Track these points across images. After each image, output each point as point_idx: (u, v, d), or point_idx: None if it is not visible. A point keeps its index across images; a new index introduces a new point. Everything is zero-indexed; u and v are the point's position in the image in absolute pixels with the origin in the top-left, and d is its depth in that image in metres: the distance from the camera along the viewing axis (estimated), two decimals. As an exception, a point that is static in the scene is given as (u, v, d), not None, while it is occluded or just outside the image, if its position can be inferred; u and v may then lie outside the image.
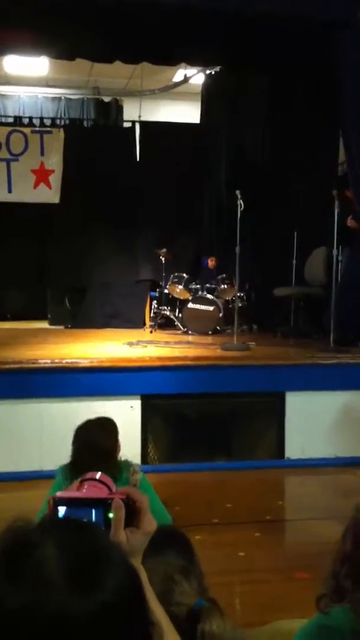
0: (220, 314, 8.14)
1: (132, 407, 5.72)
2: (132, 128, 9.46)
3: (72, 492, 1.07)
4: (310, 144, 7.94)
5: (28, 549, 0.78)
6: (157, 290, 8.75)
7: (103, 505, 1.02)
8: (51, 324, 9.14)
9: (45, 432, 5.61)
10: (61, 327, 8.89)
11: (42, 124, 9.68)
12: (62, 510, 1.01)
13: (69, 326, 8.84)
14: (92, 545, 0.82)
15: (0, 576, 0.77)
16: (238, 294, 7.77)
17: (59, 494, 1.04)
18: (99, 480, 1.10)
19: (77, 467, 3.11)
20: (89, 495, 1.05)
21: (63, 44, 7.56)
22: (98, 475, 1.10)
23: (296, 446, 6.05)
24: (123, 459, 3.31)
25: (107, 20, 7.24)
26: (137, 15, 7.02)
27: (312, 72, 7.38)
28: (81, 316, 8.94)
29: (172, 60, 8.38)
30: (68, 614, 0.74)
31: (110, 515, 1.01)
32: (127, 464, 3.30)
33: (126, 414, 5.71)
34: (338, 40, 6.56)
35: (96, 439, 3.24)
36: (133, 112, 9.90)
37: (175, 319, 8.42)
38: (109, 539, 0.93)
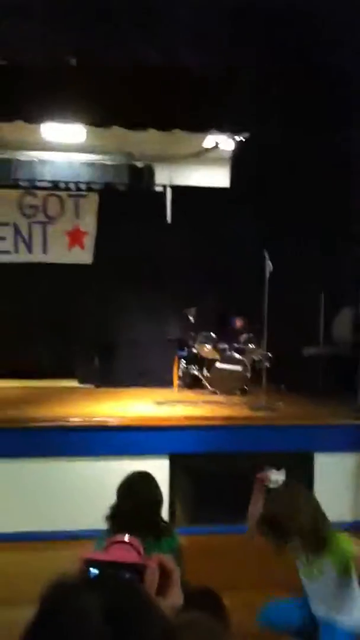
0: (248, 374, 8.17)
1: (160, 467, 5.73)
2: (164, 192, 9.74)
3: (102, 555, 1.07)
4: (335, 205, 8.07)
5: (70, 599, 0.80)
6: (185, 349, 8.82)
7: (134, 570, 1.02)
8: (80, 382, 9.22)
9: (74, 491, 5.64)
10: (90, 385, 8.97)
11: (77, 188, 10.01)
12: (93, 571, 1.00)
13: (99, 385, 8.92)
14: (131, 598, 0.84)
15: (44, 626, 0.79)
16: (266, 354, 7.80)
17: (89, 555, 1.04)
18: (128, 543, 1.11)
19: (120, 520, 3.06)
20: (120, 559, 1.05)
21: (99, 113, 7.93)
22: (127, 537, 1.11)
23: (325, 508, 5.96)
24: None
25: (141, 89, 7.60)
26: (169, 84, 7.38)
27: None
28: (110, 375, 9.01)
29: (203, 127, 8.73)
30: None
31: (138, 579, 1.01)
32: (169, 529, 3.25)
33: (154, 474, 5.71)
34: None
35: (143, 490, 3.20)
36: (164, 176, 10.21)
37: (203, 379, 8.46)
38: (147, 594, 0.94)
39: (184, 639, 1.52)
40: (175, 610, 1.04)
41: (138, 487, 3.24)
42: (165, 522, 3.24)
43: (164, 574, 1.03)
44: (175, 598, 1.04)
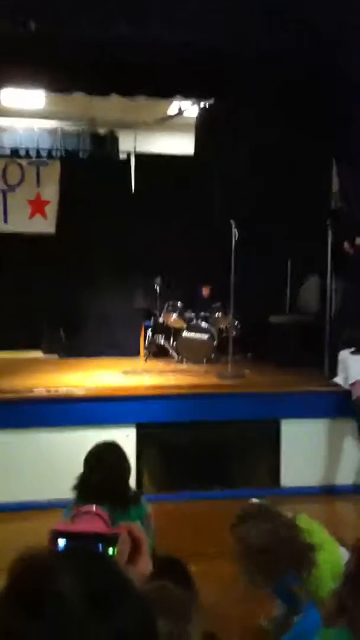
0: (215, 342, 8.17)
1: (127, 435, 5.71)
2: (128, 160, 9.57)
3: (70, 525, 1.07)
4: (302, 173, 8.05)
5: (47, 578, 0.78)
6: (152, 319, 8.78)
7: (103, 540, 1.01)
8: (45, 352, 9.14)
9: (41, 462, 5.59)
10: (55, 356, 8.89)
11: (38, 156, 9.79)
12: (61, 542, 1.00)
13: (64, 355, 8.85)
14: (108, 574, 0.83)
15: (19, 609, 0.76)
16: (233, 322, 7.81)
17: (58, 526, 1.03)
18: (95, 513, 1.09)
19: (89, 490, 3.05)
20: (89, 529, 1.05)
21: (60, 78, 7.71)
22: (94, 508, 1.10)
23: (292, 474, 6.05)
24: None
25: (103, 55, 7.40)
26: (133, 50, 7.20)
27: (303, 101, 7.56)
28: (75, 345, 8.94)
29: (167, 93, 8.56)
30: None
31: (110, 550, 1.00)
32: (138, 497, 3.24)
33: (121, 443, 5.69)
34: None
35: (112, 461, 3.18)
36: (128, 144, 10.04)
37: (170, 348, 8.44)
38: (122, 569, 0.92)
39: (153, 607, 1.51)
40: (144, 579, 1.03)
41: (106, 457, 3.22)
42: (133, 491, 3.23)
43: (133, 543, 1.02)
44: (144, 566, 1.03)
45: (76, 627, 0.74)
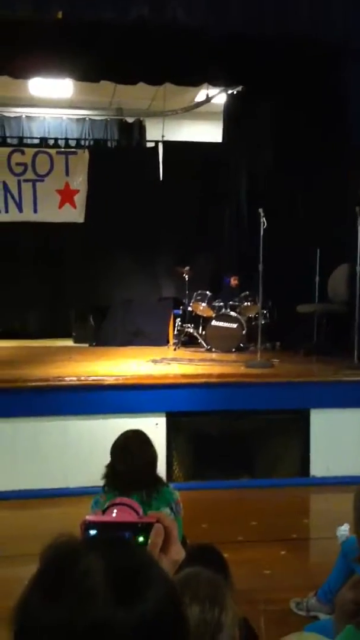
0: (244, 332, 8.16)
1: (157, 424, 5.74)
2: (155, 148, 9.57)
3: (102, 516, 1.08)
4: (333, 161, 7.97)
5: (73, 560, 0.79)
6: (181, 308, 8.79)
7: (133, 529, 1.02)
8: (75, 341, 9.22)
9: (70, 450, 5.65)
10: (85, 345, 8.96)
11: (66, 145, 9.83)
12: (92, 532, 1.01)
13: (93, 344, 8.91)
14: (134, 559, 0.83)
15: (44, 588, 0.78)
16: (261, 311, 7.78)
17: (89, 518, 1.04)
18: (127, 505, 1.10)
19: (117, 480, 3.08)
20: (120, 520, 1.06)
21: (87, 67, 7.71)
22: (126, 500, 1.11)
23: (321, 464, 6.02)
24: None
25: (131, 43, 7.38)
26: (160, 37, 7.16)
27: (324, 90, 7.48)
28: (105, 334, 9.00)
29: (194, 81, 8.52)
30: (109, 624, 0.74)
31: (140, 539, 1.00)
32: (165, 484, 3.27)
33: (151, 432, 5.71)
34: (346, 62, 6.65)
35: (137, 449, 3.20)
36: (156, 132, 10.02)
37: (198, 337, 8.45)
38: (149, 555, 0.93)
39: (186, 594, 1.52)
40: (176, 566, 1.03)
41: (132, 446, 3.24)
42: (160, 478, 3.25)
43: (164, 532, 1.02)
44: (175, 554, 1.02)
45: (97, 607, 0.74)
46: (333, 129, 7.59)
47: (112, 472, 3.17)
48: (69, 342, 9.16)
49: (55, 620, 0.74)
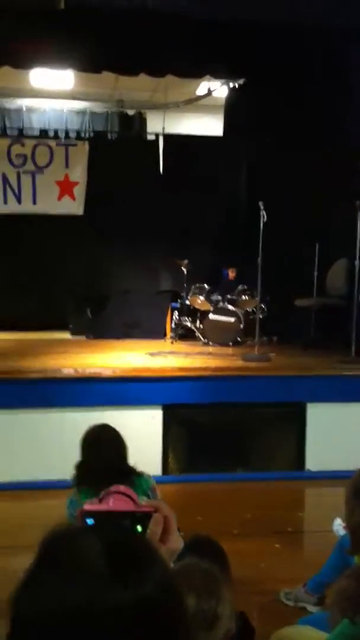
0: (241, 325, 8.17)
1: (153, 417, 5.76)
2: (156, 141, 9.54)
3: (99, 505, 1.07)
4: (333, 155, 7.96)
5: (71, 543, 0.79)
6: (178, 301, 8.80)
7: (131, 518, 1.02)
8: (73, 334, 9.22)
9: (67, 442, 5.66)
10: (82, 337, 8.96)
11: (67, 137, 9.80)
12: (89, 521, 1.00)
13: (91, 336, 8.91)
14: (133, 543, 0.84)
15: (42, 571, 0.78)
16: (259, 305, 7.79)
17: (87, 507, 1.04)
18: (124, 493, 1.10)
19: (91, 474, 3.09)
20: (118, 509, 1.05)
21: (89, 57, 7.69)
22: (122, 488, 1.11)
23: (317, 457, 6.05)
24: (138, 468, 3.27)
25: (133, 33, 7.36)
26: (162, 28, 7.15)
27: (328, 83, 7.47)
28: (102, 326, 9.00)
29: (196, 73, 8.50)
30: (108, 604, 0.74)
31: (138, 528, 1.00)
32: (139, 473, 3.27)
33: (147, 424, 5.75)
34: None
35: (110, 442, 3.20)
36: (157, 124, 9.99)
37: (196, 330, 8.46)
38: (148, 541, 0.93)
39: (184, 584, 1.54)
40: (174, 556, 1.04)
41: (104, 440, 3.26)
42: (132, 468, 3.24)
43: (163, 521, 1.02)
44: (173, 543, 1.02)
45: (96, 588, 0.74)
46: (334, 123, 7.59)
47: (85, 468, 3.17)
48: (65, 335, 9.16)
49: (54, 602, 0.74)
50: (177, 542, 1.03)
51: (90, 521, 1.00)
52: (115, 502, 1.07)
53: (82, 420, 5.71)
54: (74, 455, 5.45)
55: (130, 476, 3.14)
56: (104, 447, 3.19)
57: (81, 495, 3.04)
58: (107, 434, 3.29)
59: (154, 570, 0.79)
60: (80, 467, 3.20)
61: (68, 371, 5.94)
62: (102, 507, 1.06)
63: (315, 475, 5.90)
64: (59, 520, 0.88)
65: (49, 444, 5.68)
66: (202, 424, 6.13)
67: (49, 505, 4.93)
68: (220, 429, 6.09)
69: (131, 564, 0.78)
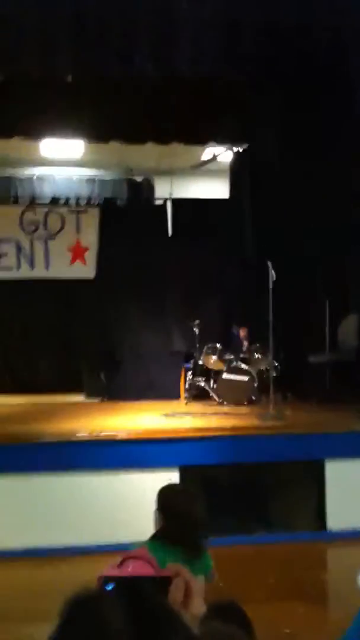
0: (255, 384, 8.13)
1: (170, 479, 5.68)
2: (164, 205, 9.75)
3: (120, 570, 1.07)
4: (338, 212, 8.07)
5: (92, 612, 0.79)
6: (192, 361, 8.80)
7: (152, 583, 1.01)
8: (87, 396, 9.20)
9: (84, 505, 5.59)
10: (97, 399, 8.94)
11: (77, 204, 10.03)
12: (109, 587, 0.99)
13: (105, 399, 8.89)
14: (155, 608, 0.83)
15: (66, 633, 0.78)
16: (272, 363, 7.77)
17: (107, 572, 1.05)
18: (143, 559, 1.09)
19: (171, 539, 2.79)
20: (138, 573, 1.06)
21: (97, 128, 7.96)
22: (140, 552, 1.10)
23: (338, 515, 5.92)
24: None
25: (140, 104, 7.63)
26: (163, 95, 7.41)
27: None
28: (116, 389, 8.99)
29: (201, 140, 8.76)
30: None
31: (160, 593, 0.99)
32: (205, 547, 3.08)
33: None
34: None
35: (190, 509, 3.00)
36: (164, 189, 10.23)
37: (210, 390, 8.43)
38: (170, 605, 0.92)
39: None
40: (198, 621, 1.02)
41: (178, 504, 3.07)
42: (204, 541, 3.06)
43: (185, 586, 1.02)
44: (196, 608, 1.01)
45: None
46: (340, 179, 7.70)
47: (163, 533, 2.89)
48: (80, 398, 9.14)
49: None
50: (199, 607, 1.02)
51: (110, 587, 0.99)
52: (134, 567, 1.06)
53: (98, 483, 5.67)
54: (91, 519, 5.38)
55: (200, 548, 2.96)
56: (177, 513, 2.96)
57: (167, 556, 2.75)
58: (186, 501, 3.12)
59: (177, 637, 0.78)
60: (159, 531, 2.95)
61: (83, 434, 5.91)
62: (123, 572, 1.05)
63: (337, 535, 5.76)
64: (77, 586, 0.87)
65: (64, 508, 5.60)
66: (220, 484, 6.03)
67: (64, 572, 4.84)
68: (238, 490, 5.99)
69: (154, 630, 0.77)
